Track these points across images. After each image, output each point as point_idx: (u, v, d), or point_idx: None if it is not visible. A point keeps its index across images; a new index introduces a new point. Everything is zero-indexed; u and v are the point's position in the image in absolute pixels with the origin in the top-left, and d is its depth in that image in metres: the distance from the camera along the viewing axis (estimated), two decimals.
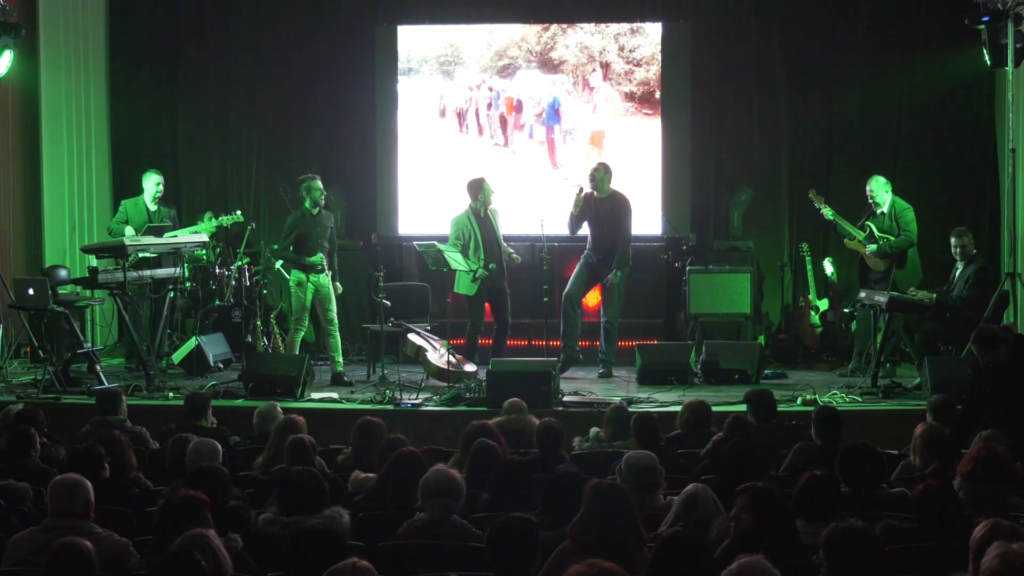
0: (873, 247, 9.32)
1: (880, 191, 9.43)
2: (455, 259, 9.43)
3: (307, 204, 9.22)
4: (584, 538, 4.08)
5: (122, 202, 10.21)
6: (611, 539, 4.04)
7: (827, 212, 9.53)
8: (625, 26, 11.32)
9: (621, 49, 11.29)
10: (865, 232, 9.39)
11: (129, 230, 9.68)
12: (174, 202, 11.02)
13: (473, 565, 4.26)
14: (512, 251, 9.77)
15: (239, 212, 10.20)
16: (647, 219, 10.89)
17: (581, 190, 9.54)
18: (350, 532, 4.63)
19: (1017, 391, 6.21)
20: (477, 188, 9.66)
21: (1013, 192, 9.40)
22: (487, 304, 9.80)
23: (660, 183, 11.22)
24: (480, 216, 9.61)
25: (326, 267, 9.21)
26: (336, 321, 9.35)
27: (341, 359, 9.39)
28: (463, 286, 9.57)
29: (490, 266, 9.49)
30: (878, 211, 9.43)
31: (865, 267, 9.61)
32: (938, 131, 11.14)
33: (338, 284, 9.38)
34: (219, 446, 5.65)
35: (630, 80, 11.27)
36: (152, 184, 9.97)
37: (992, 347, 6.30)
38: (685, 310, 10.51)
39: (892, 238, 9.32)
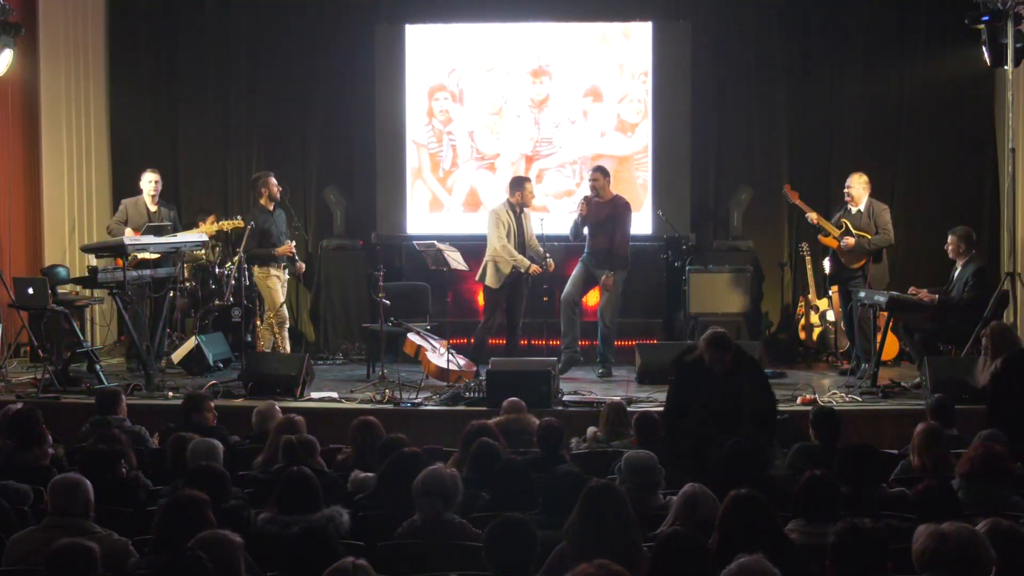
0: (850, 240, 9.32)
1: (859, 187, 9.44)
2: (455, 259, 9.43)
3: (263, 200, 9.67)
4: (579, 539, 4.09)
5: (122, 201, 10.20)
6: (606, 540, 4.04)
7: (811, 219, 9.53)
8: (624, 25, 11.33)
9: (620, 49, 11.30)
10: (841, 228, 9.40)
11: (128, 230, 9.68)
12: (174, 202, 11.02)
13: (473, 565, 4.25)
14: (548, 256, 9.61)
15: (239, 217, 10.20)
16: (640, 217, 10.91)
17: (584, 203, 9.57)
18: (350, 532, 4.63)
19: (731, 399, 6.27)
20: (517, 185, 9.65)
21: (1013, 192, 9.41)
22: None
23: (651, 182, 11.24)
24: (517, 212, 9.59)
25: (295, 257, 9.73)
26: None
27: (279, 348, 9.64)
28: (490, 277, 9.55)
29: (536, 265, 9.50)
30: (854, 209, 9.44)
31: (839, 264, 9.61)
32: (938, 130, 11.14)
33: (302, 264, 9.99)
34: (219, 444, 5.64)
35: (625, 79, 11.28)
36: (147, 182, 9.97)
37: (726, 351, 6.41)
38: (685, 310, 10.52)
39: (869, 236, 9.33)
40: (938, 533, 3.47)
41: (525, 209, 9.67)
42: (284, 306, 9.79)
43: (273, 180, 9.75)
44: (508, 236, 9.49)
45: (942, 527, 3.48)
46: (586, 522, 4.13)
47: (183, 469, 5.43)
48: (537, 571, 4.03)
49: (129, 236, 9.39)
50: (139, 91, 11.85)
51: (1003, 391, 6.54)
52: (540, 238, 9.68)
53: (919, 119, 11.20)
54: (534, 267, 9.50)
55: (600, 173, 9.63)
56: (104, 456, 5.37)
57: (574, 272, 9.75)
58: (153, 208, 9.96)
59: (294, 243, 9.83)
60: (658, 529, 4.43)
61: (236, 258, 9.72)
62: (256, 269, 9.65)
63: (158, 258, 9.49)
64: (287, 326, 9.83)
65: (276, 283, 9.65)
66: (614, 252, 9.51)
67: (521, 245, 9.56)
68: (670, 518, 4.52)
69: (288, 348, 9.81)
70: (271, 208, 9.70)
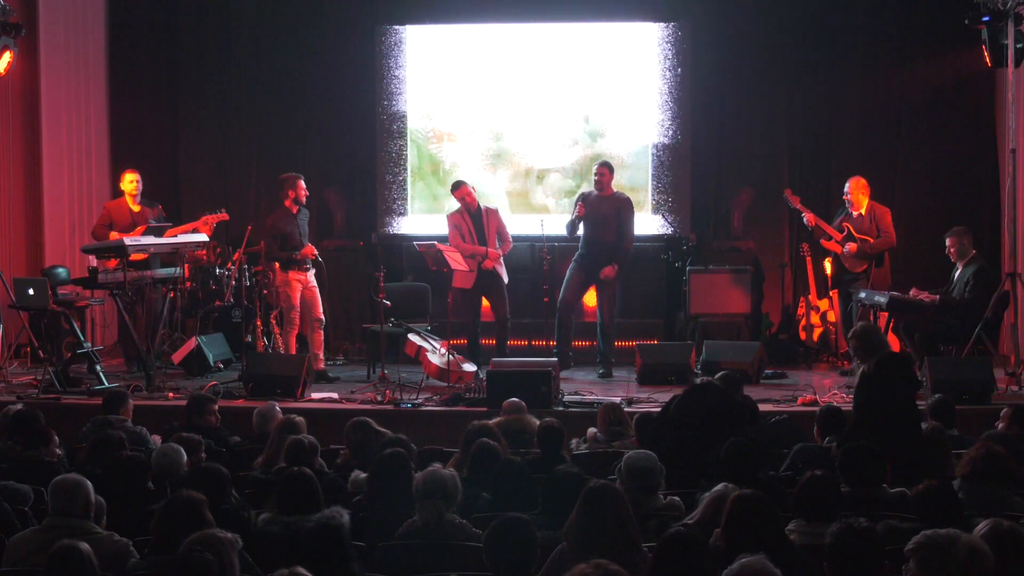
0: (852, 245, 9.32)
1: (858, 192, 9.45)
2: (455, 259, 9.44)
3: (287, 202, 9.39)
4: (578, 540, 4.10)
5: (104, 205, 10.17)
6: (605, 540, 4.04)
7: (808, 220, 9.54)
8: (624, 25, 11.33)
9: (620, 49, 11.29)
10: (843, 232, 9.40)
11: (113, 234, 9.66)
12: (174, 202, 11.01)
13: (473, 566, 4.26)
14: (500, 252, 9.70)
15: (223, 210, 10.14)
16: (642, 217, 10.93)
17: (581, 202, 9.59)
18: (350, 532, 4.63)
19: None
20: (453, 189, 9.82)
21: (1013, 192, 9.40)
22: (486, 302, 9.79)
23: (656, 182, 11.24)
24: (472, 212, 9.65)
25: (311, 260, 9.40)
26: (323, 319, 9.48)
27: (323, 356, 9.48)
28: (459, 278, 9.61)
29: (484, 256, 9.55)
30: (855, 213, 9.44)
31: (841, 267, 9.60)
32: (938, 131, 11.13)
33: (320, 260, 9.51)
34: (181, 450, 5.54)
35: (626, 79, 11.28)
36: (127, 183, 9.93)
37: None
38: (685, 310, 10.52)
39: (871, 239, 9.32)
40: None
41: (485, 207, 9.74)
42: (296, 313, 9.42)
43: (301, 184, 9.44)
44: (463, 238, 9.57)
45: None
46: (585, 522, 4.14)
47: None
48: (537, 572, 4.03)
49: (128, 237, 9.36)
50: (139, 91, 11.84)
51: (872, 395, 6.09)
52: (540, 238, 9.69)
53: (919, 120, 11.18)
54: (487, 261, 9.57)
55: (607, 168, 9.67)
56: (138, 464, 5.31)
57: (568, 275, 9.74)
58: (136, 208, 9.90)
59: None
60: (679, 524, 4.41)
61: (236, 259, 9.73)
62: (278, 272, 9.47)
63: (145, 258, 9.41)
64: (296, 333, 9.48)
65: (297, 288, 9.35)
66: (622, 248, 9.53)
67: (481, 243, 9.64)
68: (695, 516, 4.51)
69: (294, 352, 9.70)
70: (295, 210, 9.44)
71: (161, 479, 5.31)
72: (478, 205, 9.73)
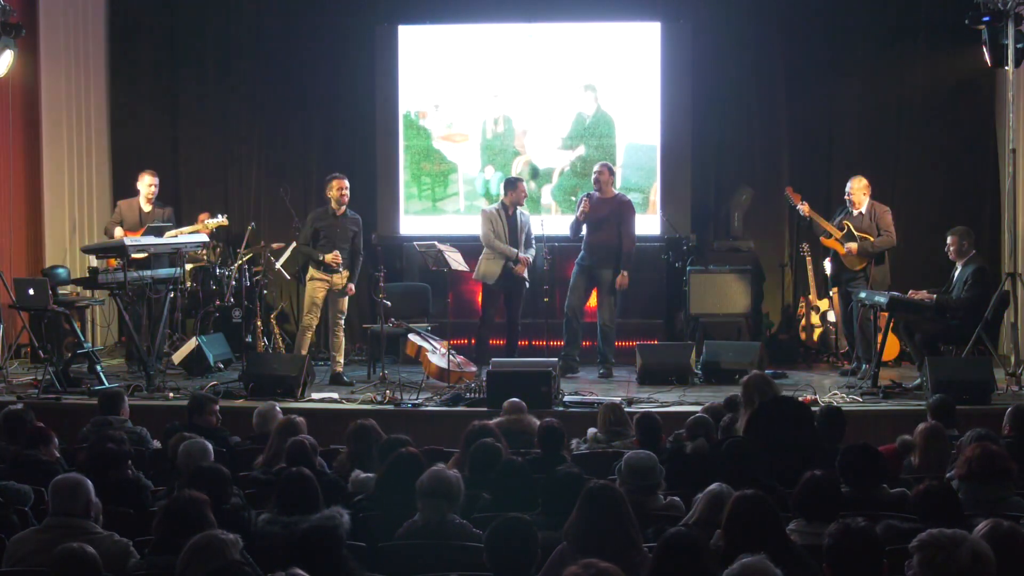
0: (853, 245, 9.32)
1: (860, 192, 9.44)
2: (455, 259, 9.44)
3: (332, 203, 9.24)
4: (578, 540, 4.10)
5: (118, 203, 10.20)
6: (605, 540, 4.04)
7: (803, 210, 9.50)
8: (624, 25, 11.33)
9: (620, 49, 11.29)
10: (843, 230, 9.40)
11: (119, 231, 9.67)
12: (174, 202, 11.02)
13: (473, 565, 4.26)
14: (530, 257, 9.65)
15: (224, 216, 10.14)
16: (647, 218, 10.93)
17: (586, 199, 9.57)
18: (350, 532, 4.63)
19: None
20: (509, 186, 9.71)
21: (1013, 192, 9.41)
22: (502, 301, 9.76)
23: (659, 182, 11.23)
24: (508, 213, 9.61)
25: (340, 266, 9.18)
26: (343, 324, 9.38)
27: (342, 359, 9.41)
28: (482, 274, 9.57)
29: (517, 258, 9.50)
30: (855, 211, 9.44)
31: (840, 265, 9.61)
32: (938, 131, 11.14)
33: (352, 285, 9.32)
34: (209, 446, 5.61)
35: (628, 78, 11.27)
36: (145, 185, 9.94)
37: None
38: (685, 310, 10.52)
39: (871, 238, 9.33)
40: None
41: (520, 210, 9.68)
42: (312, 315, 9.25)
43: (333, 184, 9.23)
44: (498, 236, 9.52)
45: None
46: (585, 523, 4.14)
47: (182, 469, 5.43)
48: (537, 572, 4.03)
49: (128, 237, 9.36)
50: (139, 91, 11.85)
51: (759, 440, 5.80)
52: (540, 238, 9.69)
53: (919, 119, 11.19)
54: (518, 266, 9.52)
55: (606, 168, 9.67)
56: (112, 455, 5.37)
57: (573, 279, 9.74)
58: (147, 208, 9.93)
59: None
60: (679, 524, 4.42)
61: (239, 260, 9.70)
62: (310, 270, 9.37)
63: (146, 257, 9.36)
64: (309, 334, 9.29)
65: (314, 287, 9.21)
66: (623, 251, 9.52)
67: (513, 244, 9.58)
68: (693, 516, 4.52)
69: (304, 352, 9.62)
70: (339, 211, 9.24)
71: (177, 477, 5.32)
72: (516, 208, 9.66)
